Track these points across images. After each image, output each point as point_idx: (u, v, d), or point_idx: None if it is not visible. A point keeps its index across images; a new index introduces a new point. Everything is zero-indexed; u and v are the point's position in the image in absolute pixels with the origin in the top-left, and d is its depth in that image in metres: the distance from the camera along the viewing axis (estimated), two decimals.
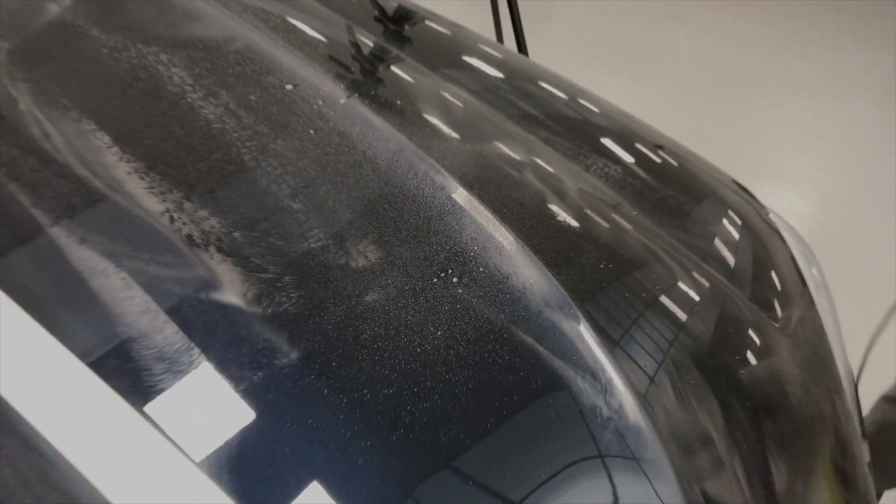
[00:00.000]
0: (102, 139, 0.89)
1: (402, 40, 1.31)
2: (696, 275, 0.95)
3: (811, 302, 1.11)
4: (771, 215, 1.23)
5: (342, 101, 1.01)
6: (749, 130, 3.02)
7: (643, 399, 0.75)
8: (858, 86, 3.37)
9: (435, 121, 1.06)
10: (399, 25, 1.36)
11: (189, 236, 0.79)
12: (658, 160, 1.15)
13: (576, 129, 1.15)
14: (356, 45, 1.23)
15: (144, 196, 0.82)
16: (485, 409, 0.70)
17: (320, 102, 1.01)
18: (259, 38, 1.11)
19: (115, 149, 0.87)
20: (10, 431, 0.61)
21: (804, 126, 3.09)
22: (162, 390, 0.65)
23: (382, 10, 1.38)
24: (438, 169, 0.92)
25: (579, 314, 0.79)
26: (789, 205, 2.61)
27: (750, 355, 0.92)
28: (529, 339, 0.76)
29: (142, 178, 0.84)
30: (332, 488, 0.62)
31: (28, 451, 0.61)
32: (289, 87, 1.03)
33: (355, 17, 1.34)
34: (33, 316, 0.69)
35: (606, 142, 1.15)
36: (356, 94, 1.03)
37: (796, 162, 2.88)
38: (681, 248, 0.97)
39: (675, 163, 1.17)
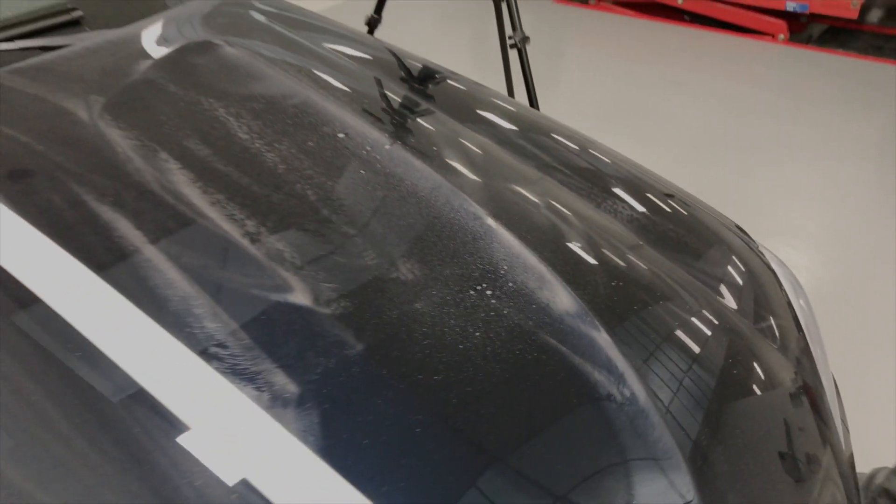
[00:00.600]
0: (187, 175, 1.05)
1: (427, 96, 1.48)
2: (703, 299, 1.09)
3: (801, 331, 1.24)
4: (766, 253, 1.38)
5: (387, 147, 1.18)
6: (748, 187, 3.18)
7: (651, 391, 0.89)
8: (851, 147, 3.55)
9: (464, 163, 1.22)
10: (424, 84, 1.54)
11: (268, 254, 0.94)
12: (665, 204, 1.30)
13: (588, 174, 1.31)
14: (391, 100, 1.41)
15: (226, 222, 0.98)
16: (515, 396, 0.85)
17: (368, 148, 1.17)
18: (313, 94, 1.28)
19: (199, 184, 1.04)
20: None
21: (800, 184, 3.26)
22: (265, 381, 0.80)
23: (408, 71, 1.56)
24: (470, 202, 1.08)
25: (595, 321, 0.93)
26: (785, 256, 2.75)
27: (759, 377, 1.06)
28: (553, 341, 0.91)
29: (223, 208, 1.00)
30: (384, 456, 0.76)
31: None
32: (341, 135, 1.19)
33: (385, 75, 1.52)
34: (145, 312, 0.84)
35: (617, 186, 1.30)
36: (398, 142, 1.20)
37: (793, 217, 3.03)
38: (686, 276, 1.12)
39: (681, 207, 1.32)
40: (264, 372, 0.80)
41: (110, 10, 1.48)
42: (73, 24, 1.41)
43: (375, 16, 2.48)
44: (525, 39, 2.31)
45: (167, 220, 0.98)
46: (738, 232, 1.35)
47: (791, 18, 4.50)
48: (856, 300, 2.62)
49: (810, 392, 1.13)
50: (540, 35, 4.28)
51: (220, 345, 0.82)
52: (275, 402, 0.77)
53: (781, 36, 4.47)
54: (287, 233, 0.98)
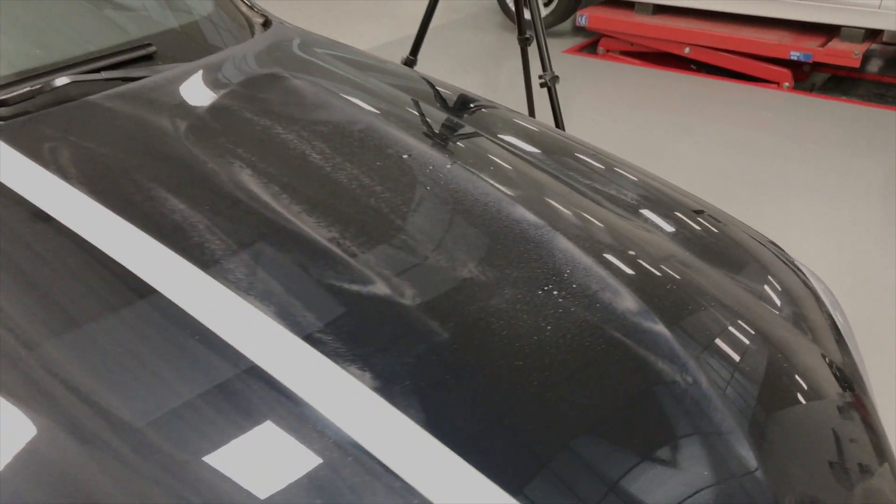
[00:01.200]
0: (273, 189, 1.15)
1: (473, 122, 1.58)
2: (750, 306, 1.17)
3: (843, 344, 1.31)
4: (802, 268, 1.46)
5: (448, 166, 1.28)
6: (757, 225, 3.28)
7: (710, 377, 0.97)
8: (856, 188, 3.66)
9: (517, 181, 1.32)
10: (468, 111, 1.64)
11: (360, 261, 1.03)
12: (706, 221, 1.39)
13: (631, 191, 1.41)
14: (443, 125, 1.51)
15: (313, 229, 1.07)
16: (588, 381, 0.93)
17: (431, 167, 1.27)
18: (374, 120, 1.39)
19: (285, 196, 1.13)
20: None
21: (808, 222, 3.36)
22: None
23: (452, 99, 1.67)
24: (530, 213, 1.17)
25: (655, 317, 1.02)
26: None
27: (811, 384, 1.12)
28: (618, 335, 0.99)
29: (308, 217, 1.10)
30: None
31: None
32: (405, 156, 1.29)
33: (431, 103, 1.63)
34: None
35: (659, 202, 1.40)
36: (457, 161, 1.30)
37: (800, 252, 3.12)
38: (731, 283, 1.21)
39: (720, 224, 1.41)
40: (368, 355, 0.88)
41: (180, 47, 1.60)
42: (148, 59, 1.52)
43: (411, 57, 2.62)
44: (555, 79, 2.44)
45: (260, 225, 1.07)
46: (775, 248, 1.43)
47: (795, 67, 4.66)
48: (860, 333, 2.70)
49: (859, 402, 1.19)
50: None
51: (328, 331, 0.90)
52: (377, 382, 0.85)
53: (786, 84, 4.63)
54: (372, 242, 1.07)
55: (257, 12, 1.81)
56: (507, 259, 1.09)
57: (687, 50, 4.92)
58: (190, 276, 0.96)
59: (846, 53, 4.45)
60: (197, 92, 1.42)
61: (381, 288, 0.99)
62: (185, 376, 0.84)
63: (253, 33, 1.71)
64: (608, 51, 5.30)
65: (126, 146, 1.22)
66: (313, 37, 1.76)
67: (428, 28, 2.65)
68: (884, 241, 3.25)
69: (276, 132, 1.30)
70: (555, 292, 1.04)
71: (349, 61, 1.70)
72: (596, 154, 1.54)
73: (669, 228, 1.32)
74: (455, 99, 1.67)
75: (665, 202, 1.42)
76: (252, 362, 0.85)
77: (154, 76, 1.43)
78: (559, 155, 1.49)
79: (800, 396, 1.08)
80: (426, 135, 1.43)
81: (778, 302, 1.25)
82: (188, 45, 1.62)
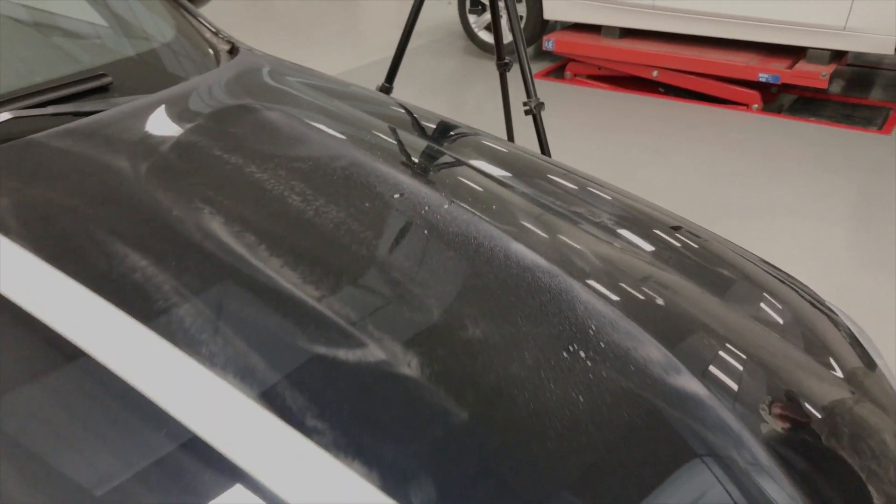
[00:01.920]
0: (249, 238, 1.00)
1: (466, 154, 1.44)
2: (789, 350, 1.06)
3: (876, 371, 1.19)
4: (829, 305, 1.35)
5: (445, 206, 1.14)
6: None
7: (772, 450, 0.84)
8: (829, 208, 3.64)
9: (522, 220, 1.19)
10: (449, 142, 1.51)
11: (346, 318, 0.89)
12: (729, 258, 1.28)
13: (640, 225, 1.28)
14: (434, 159, 1.37)
15: (297, 286, 0.92)
16: (633, 463, 0.79)
17: (426, 208, 1.13)
18: (358, 154, 1.25)
19: (263, 247, 0.98)
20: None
21: (783, 242, 3.31)
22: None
23: (430, 130, 1.53)
24: (542, 259, 1.04)
25: (697, 379, 0.89)
26: None
27: (836, 421, 1.01)
28: (660, 403, 0.86)
29: (290, 272, 0.95)
30: None
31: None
32: (396, 196, 1.15)
33: (418, 134, 1.49)
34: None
35: (672, 238, 1.28)
36: (455, 201, 1.16)
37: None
38: (761, 327, 1.09)
39: (741, 259, 1.30)
40: (365, 443, 0.73)
41: (138, 77, 1.45)
42: (102, 90, 1.37)
43: (387, 84, 2.49)
44: (540, 105, 2.33)
45: (239, 286, 0.92)
46: (798, 283, 1.32)
47: (763, 89, 4.65)
48: None
49: None
50: (520, 108, 4.37)
51: (319, 417, 0.75)
52: (379, 477, 0.70)
53: (756, 105, 4.61)
54: (362, 298, 0.93)
55: (223, 38, 1.66)
56: (522, 314, 0.95)
57: (655, 73, 4.88)
58: (155, 350, 0.81)
59: (814, 75, 4.45)
60: (159, 127, 1.27)
61: (380, 357, 0.84)
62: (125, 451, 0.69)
63: (219, 61, 1.57)
64: (575, 75, 5.24)
65: (76, 192, 1.06)
66: (285, 64, 1.62)
67: (403, 55, 2.52)
68: (860, 258, 3.22)
69: (249, 172, 1.15)
70: (581, 353, 0.90)
71: (326, 90, 1.56)
72: (602, 187, 1.41)
73: (691, 266, 1.20)
74: (441, 128, 1.54)
75: (689, 239, 1.30)
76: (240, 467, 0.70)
77: (110, 110, 1.27)
78: (562, 189, 1.36)
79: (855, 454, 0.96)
80: (417, 170, 1.30)
81: (812, 347, 1.13)
82: (148, 75, 1.47)
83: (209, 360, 0.79)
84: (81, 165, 1.13)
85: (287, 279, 0.93)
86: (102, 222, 1.00)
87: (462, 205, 1.16)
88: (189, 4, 1.65)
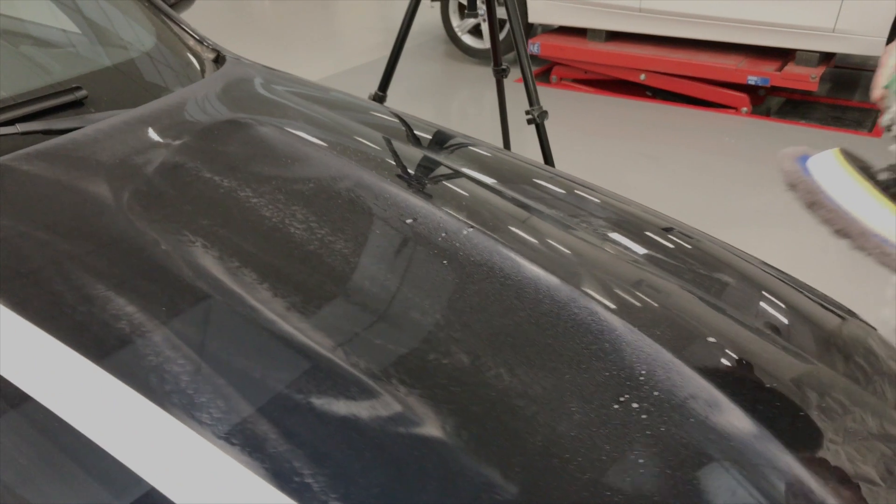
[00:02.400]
0: (253, 274, 0.88)
1: (479, 171, 1.32)
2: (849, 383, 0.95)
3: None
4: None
5: (464, 232, 1.02)
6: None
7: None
8: None
9: (550, 248, 1.08)
10: (457, 158, 1.39)
11: (362, 369, 0.77)
12: (766, 280, 1.18)
13: (672, 247, 1.18)
14: (443, 177, 1.26)
15: (305, 332, 0.81)
16: None
17: (443, 234, 1.02)
18: (364, 175, 1.13)
19: (265, 286, 0.86)
20: None
21: (781, 247, 3.24)
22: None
23: (435, 144, 1.41)
24: (579, 294, 0.93)
25: (769, 434, 0.78)
26: None
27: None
28: (726, 463, 0.75)
29: (297, 314, 0.83)
30: None
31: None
32: (409, 221, 1.04)
33: (420, 148, 1.37)
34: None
35: (706, 262, 1.17)
36: (475, 227, 1.05)
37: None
38: (816, 363, 0.98)
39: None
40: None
41: (117, 90, 1.32)
42: (77, 105, 1.24)
43: (380, 93, 2.36)
44: (543, 114, 2.23)
45: (242, 333, 0.80)
46: (848, 313, 1.21)
47: (751, 92, 4.59)
48: None
49: None
50: (515, 117, 4.27)
51: (350, 487, 0.63)
52: None
53: (745, 109, 4.55)
54: (385, 350, 0.81)
55: (207, 47, 1.53)
56: (563, 361, 0.84)
57: (642, 77, 4.80)
58: (143, 419, 0.69)
59: (804, 77, 4.39)
60: (142, 147, 1.14)
61: (408, 419, 0.72)
62: None
63: (205, 71, 1.44)
64: (561, 79, 5.15)
65: (49, 226, 0.94)
66: (276, 73, 1.50)
67: (397, 62, 2.40)
68: (853, 263, 3.16)
69: (245, 197, 1.03)
70: (634, 405, 0.79)
71: (321, 101, 1.44)
72: (624, 202, 1.31)
73: (732, 294, 1.09)
74: (446, 142, 1.43)
75: (719, 259, 1.19)
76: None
77: (86, 128, 1.14)
78: (587, 210, 1.23)
79: None
80: (427, 191, 1.18)
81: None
82: (127, 87, 1.34)
83: (210, 431, 0.67)
84: (54, 193, 1.00)
85: (294, 325, 0.81)
86: (80, 261, 0.87)
87: (484, 230, 1.05)
88: (171, 10, 1.53)
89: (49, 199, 0.99)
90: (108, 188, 1.00)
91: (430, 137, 1.42)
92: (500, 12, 3.76)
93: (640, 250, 1.13)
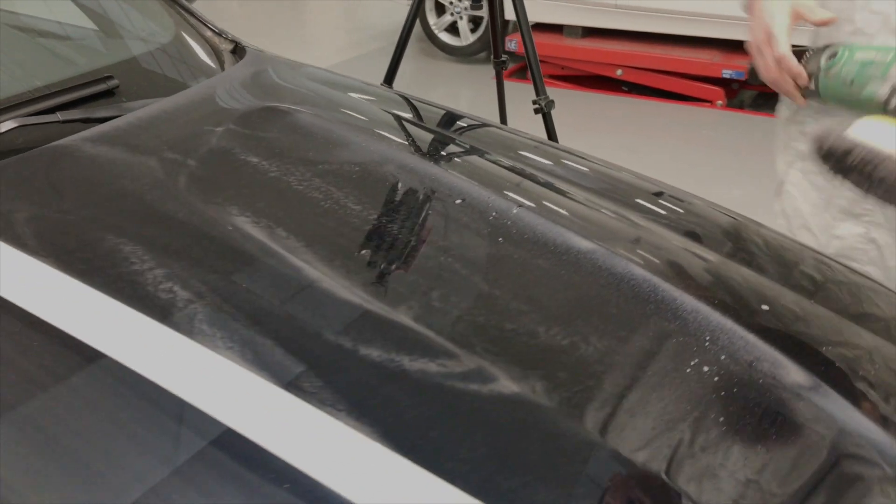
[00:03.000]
0: (315, 255, 0.89)
1: (503, 152, 1.34)
2: None
3: None
4: None
5: (514, 211, 1.05)
6: None
7: None
8: None
9: (593, 220, 1.10)
10: (468, 132, 1.42)
11: (435, 329, 0.79)
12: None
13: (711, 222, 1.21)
14: (480, 158, 1.27)
15: (385, 303, 0.83)
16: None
17: (494, 214, 1.04)
18: (407, 157, 1.15)
19: (335, 262, 0.88)
20: None
21: None
22: None
23: (466, 128, 1.43)
24: (635, 264, 0.96)
25: (830, 389, 0.82)
26: None
27: None
28: (798, 418, 0.78)
29: (378, 290, 0.85)
30: None
31: None
32: (458, 201, 1.06)
33: (453, 132, 1.39)
34: None
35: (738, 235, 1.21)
36: (524, 204, 1.07)
37: None
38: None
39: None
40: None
41: (144, 81, 1.32)
42: (108, 95, 1.23)
43: (387, 86, 2.38)
44: (550, 103, 2.26)
45: (317, 308, 0.82)
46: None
47: (725, 85, 4.69)
48: None
49: None
50: (485, 111, 4.30)
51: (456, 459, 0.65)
52: None
53: (720, 102, 4.64)
54: (457, 310, 0.83)
55: (226, 38, 1.54)
56: (632, 329, 0.87)
57: (619, 72, 4.88)
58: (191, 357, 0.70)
59: None
60: (185, 134, 1.15)
61: (501, 384, 0.75)
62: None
63: (225, 62, 1.44)
64: None
65: (113, 207, 0.94)
66: (299, 64, 1.51)
67: (403, 54, 2.43)
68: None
69: (295, 180, 1.05)
70: (705, 368, 0.82)
71: (348, 88, 1.46)
72: (654, 183, 1.34)
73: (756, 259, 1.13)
74: (475, 126, 1.45)
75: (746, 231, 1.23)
76: None
77: (126, 116, 1.14)
78: (625, 189, 1.27)
79: None
80: (471, 172, 1.20)
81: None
82: (154, 78, 1.34)
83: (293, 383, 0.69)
84: (118, 173, 1.01)
85: (372, 294, 0.83)
86: (153, 232, 0.88)
87: (532, 209, 1.07)
88: (188, 4, 1.53)
89: (109, 182, 0.99)
90: (168, 171, 1.01)
91: (464, 123, 1.44)
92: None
93: (681, 225, 1.17)
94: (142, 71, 1.33)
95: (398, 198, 1.05)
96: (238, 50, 1.51)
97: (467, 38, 5.46)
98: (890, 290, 1.13)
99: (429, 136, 1.34)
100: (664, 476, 0.69)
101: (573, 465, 0.70)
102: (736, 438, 0.76)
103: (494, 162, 1.26)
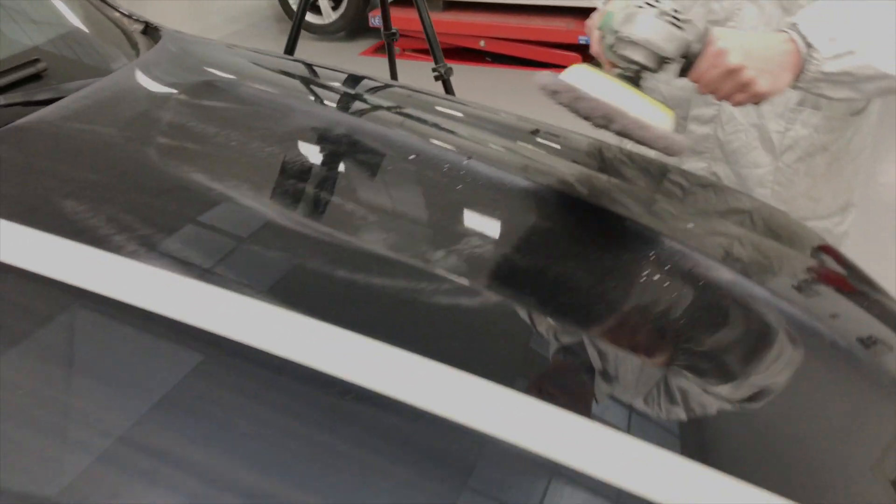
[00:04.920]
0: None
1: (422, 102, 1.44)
2: None
3: None
4: None
5: (465, 161, 1.15)
6: None
7: None
8: None
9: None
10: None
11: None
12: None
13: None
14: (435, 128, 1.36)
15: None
16: None
17: (447, 166, 1.14)
18: (353, 120, 1.23)
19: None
20: None
21: None
22: None
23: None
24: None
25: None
26: None
27: None
28: None
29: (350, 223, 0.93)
30: None
31: None
32: (411, 157, 1.15)
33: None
34: None
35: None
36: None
37: None
38: None
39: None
40: None
41: (72, 63, 1.30)
42: (35, 79, 1.22)
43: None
44: (449, 70, 2.36)
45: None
46: None
47: (582, 51, 4.97)
48: None
49: None
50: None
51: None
52: None
53: None
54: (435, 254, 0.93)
55: (136, 20, 1.53)
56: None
57: (482, 43, 5.05)
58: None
59: None
60: (142, 112, 1.16)
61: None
62: None
63: (144, 45, 1.44)
64: (405, 50, 5.29)
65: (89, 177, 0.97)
66: (219, 43, 1.53)
67: (301, 27, 2.48)
68: None
69: (258, 147, 1.09)
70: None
71: (273, 63, 1.50)
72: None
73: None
74: (408, 88, 1.52)
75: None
76: None
77: (70, 97, 1.14)
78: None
79: None
80: (409, 127, 1.29)
81: None
82: (79, 59, 1.33)
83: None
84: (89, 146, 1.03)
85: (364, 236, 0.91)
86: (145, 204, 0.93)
87: (480, 159, 1.17)
88: None
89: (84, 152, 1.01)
90: (137, 142, 1.04)
91: (387, 85, 1.53)
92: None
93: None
94: (65, 53, 1.32)
95: (341, 149, 1.14)
96: (148, 30, 1.51)
97: (329, 16, 5.46)
98: (739, 190, 1.33)
99: (354, 98, 1.41)
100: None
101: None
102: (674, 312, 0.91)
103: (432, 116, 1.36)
